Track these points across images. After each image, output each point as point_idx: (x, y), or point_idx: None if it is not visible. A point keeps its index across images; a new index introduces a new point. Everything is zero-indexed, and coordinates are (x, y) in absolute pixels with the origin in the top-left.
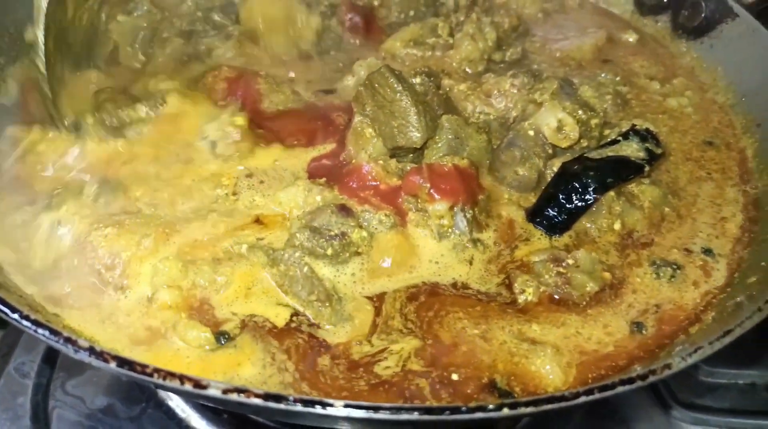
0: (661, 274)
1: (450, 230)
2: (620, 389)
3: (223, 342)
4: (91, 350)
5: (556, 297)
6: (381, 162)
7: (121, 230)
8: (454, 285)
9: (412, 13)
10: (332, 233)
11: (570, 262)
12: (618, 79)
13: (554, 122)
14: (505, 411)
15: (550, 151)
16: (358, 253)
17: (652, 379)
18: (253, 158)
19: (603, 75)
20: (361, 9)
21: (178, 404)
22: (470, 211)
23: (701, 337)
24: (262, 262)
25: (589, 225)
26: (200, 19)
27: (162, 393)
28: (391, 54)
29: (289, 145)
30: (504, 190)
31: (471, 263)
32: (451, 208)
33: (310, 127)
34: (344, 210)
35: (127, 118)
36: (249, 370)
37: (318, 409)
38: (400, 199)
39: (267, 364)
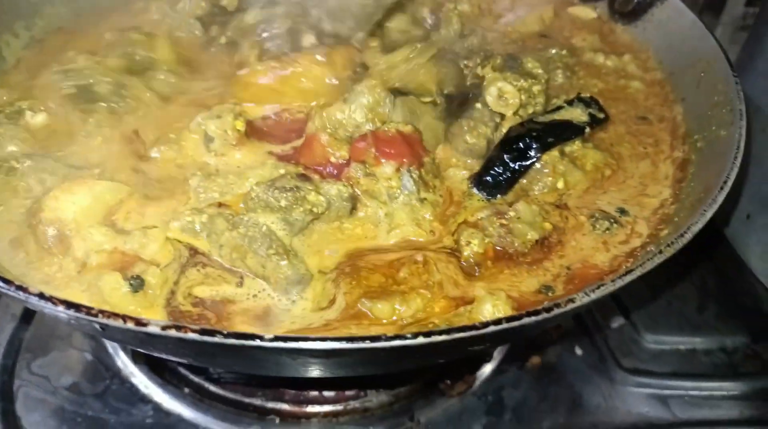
0: (597, 227)
1: (398, 191)
2: (526, 320)
3: (133, 284)
4: (41, 295)
5: (500, 248)
6: (329, 129)
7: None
8: (404, 246)
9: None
10: (286, 186)
11: (512, 214)
12: (564, 52)
13: (495, 91)
14: (420, 339)
15: (498, 119)
16: (314, 215)
17: (557, 311)
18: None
19: (553, 51)
20: None
21: (141, 381)
22: (416, 172)
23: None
24: (221, 229)
25: (532, 184)
26: None
27: (125, 371)
28: None
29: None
30: (452, 154)
31: (420, 224)
32: (397, 169)
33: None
34: (303, 176)
35: None
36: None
37: (250, 342)
38: (348, 167)
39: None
